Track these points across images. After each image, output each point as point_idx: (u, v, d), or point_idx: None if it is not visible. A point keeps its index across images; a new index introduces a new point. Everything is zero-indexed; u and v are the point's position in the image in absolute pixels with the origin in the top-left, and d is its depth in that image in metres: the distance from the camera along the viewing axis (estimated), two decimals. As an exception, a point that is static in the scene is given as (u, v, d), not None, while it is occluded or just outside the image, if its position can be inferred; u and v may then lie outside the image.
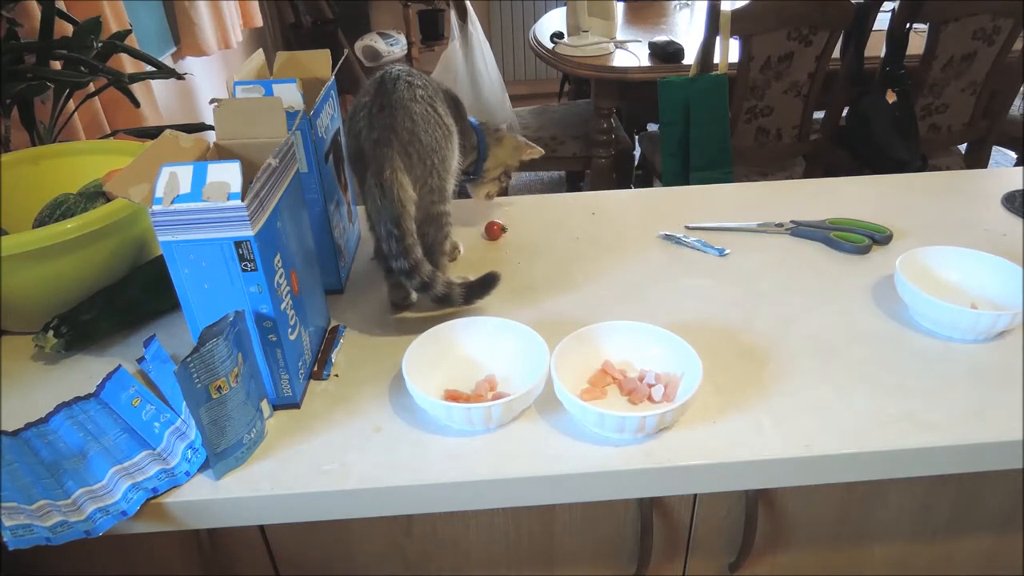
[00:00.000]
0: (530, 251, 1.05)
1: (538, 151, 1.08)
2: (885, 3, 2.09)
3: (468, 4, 2.26)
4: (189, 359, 0.64)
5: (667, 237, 1.07)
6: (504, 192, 1.14)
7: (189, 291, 0.70)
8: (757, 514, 0.79)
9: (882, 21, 2.07)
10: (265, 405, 0.76)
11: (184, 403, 0.72)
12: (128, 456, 0.73)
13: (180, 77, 1.38)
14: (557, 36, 2.40)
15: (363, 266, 1.04)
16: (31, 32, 1.43)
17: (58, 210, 0.90)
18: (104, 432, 0.76)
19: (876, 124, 2.08)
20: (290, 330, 0.76)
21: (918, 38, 2.02)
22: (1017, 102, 2.49)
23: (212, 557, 0.78)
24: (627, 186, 2.58)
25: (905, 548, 0.86)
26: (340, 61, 1.02)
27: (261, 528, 0.78)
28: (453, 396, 0.77)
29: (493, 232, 1.08)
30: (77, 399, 0.81)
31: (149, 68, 1.40)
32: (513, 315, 0.87)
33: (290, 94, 0.85)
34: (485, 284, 0.89)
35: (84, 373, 0.85)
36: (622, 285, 0.97)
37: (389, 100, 0.85)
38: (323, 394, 0.81)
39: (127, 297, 0.90)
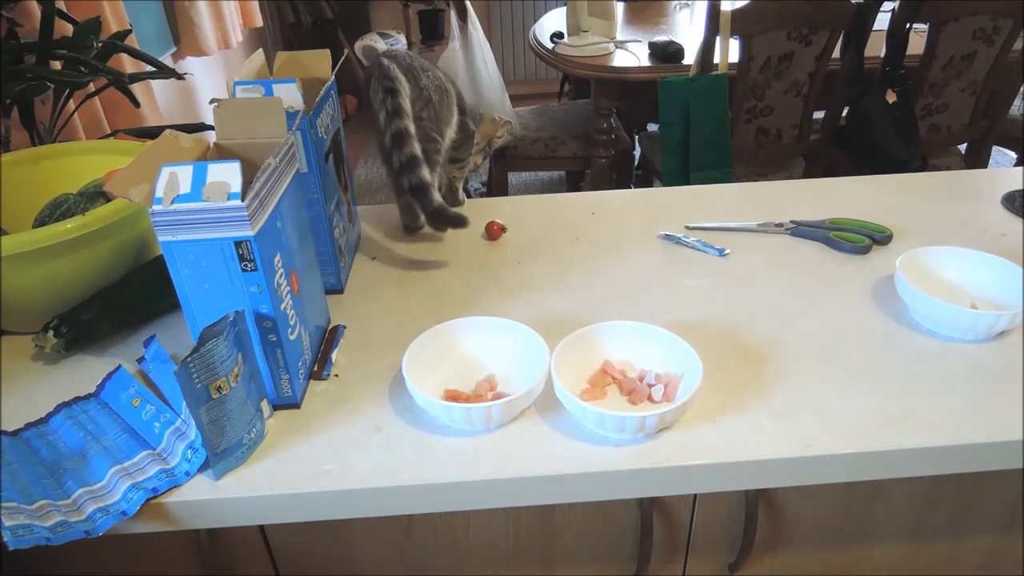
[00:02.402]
0: (530, 251, 1.05)
1: (508, 122, 1.21)
2: (885, 3, 2.09)
3: (468, 4, 2.26)
4: (189, 359, 0.64)
5: (667, 237, 1.07)
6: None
7: (189, 291, 0.70)
8: (757, 514, 0.79)
9: (882, 21, 2.07)
10: (265, 405, 0.76)
11: (184, 403, 0.72)
12: (128, 456, 0.73)
13: (180, 77, 1.38)
14: (557, 36, 2.40)
15: (363, 266, 1.04)
16: (31, 32, 1.43)
17: (58, 210, 0.90)
18: (104, 432, 0.76)
19: (876, 124, 2.08)
20: (290, 330, 0.76)
21: (918, 38, 2.02)
22: (1017, 102, 2.49)
23: (212, 557, 0.78)
24: (627, 186, 2.58)
25: (905, 548, 0.86)
26: (340, 61, 1.02)
27: (261, 528, 0.78)
28: (453, 396, 0.77)
29: (493, 232, 1.08)
30: (77, 399, 0.81)
31: (149, 68, 1.40)
32: (513, 315, 0.87)
33: (290, 94, 0.85)
34: (454, 219, 0.97)
35: (84, 373, 0.85)
36: (622, 285, 0.97)
37: (398, 56, 1.01)
38: (323, 394, 0.81)
39: (127, 297, 0.90)
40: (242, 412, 0.71)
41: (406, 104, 0.96)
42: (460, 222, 0.98)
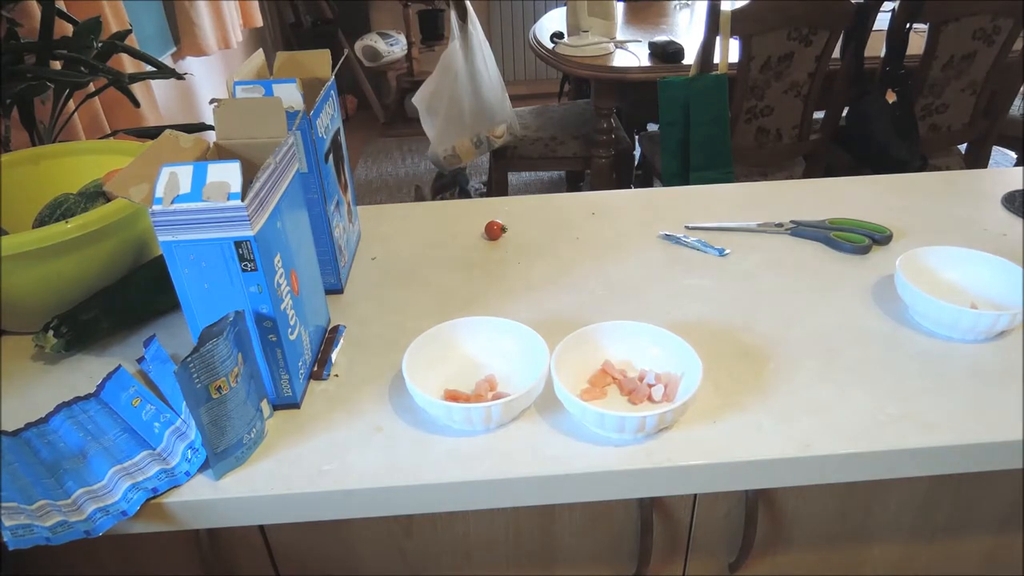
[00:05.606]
0: (530, 251, 1.05)
1: None
2: (885, 3, 2.09)
3: (468, 4, 2.26)
4: (189, 359, 0.64)
5: (667, 237, 1.07)
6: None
7: (189, 291, 0.70)
8: (757, 514, 0.79)
9: (882, 21, 2.07)
10: (265, 405, 0.76)
11: (184, 403, 0.72)
12: (128, 456, 0.73)
13: (180, 77, 1.38)
14: (557, 36, 2.40)
15: (363, 266, 1.04)
16: (31, 32, 1.43)
17: (58, 210, 0.90)
18: (104, 432, 0.76)
19: (876, 124, 2.08)
20: (290, 330, 0.76)
21: (918, 38, 2.02)
22: (1017, 102, 2.49)
23: (212, 557, 0.78)
24: (627, 186, 2.58)
25: (905, 548, 0.86)
26: (340, 61, 1.02)
27: (261, 528, 0.78)
28: (453, 396, 0.77)
29: (493, 232, 1.08)
30: (77, 399, 0.81)
31: (149, 68, 1.40)
32: (513, 315, 0.87)
33: (290, 94, 0.85)
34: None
35: (84, 373, 0.85)
36: (622, 285, 0.97)
37: None
38: (323, 394, 0.81)
39: (127, 297, 0.90)
40: (242, 412, 0.71)
41: None
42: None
